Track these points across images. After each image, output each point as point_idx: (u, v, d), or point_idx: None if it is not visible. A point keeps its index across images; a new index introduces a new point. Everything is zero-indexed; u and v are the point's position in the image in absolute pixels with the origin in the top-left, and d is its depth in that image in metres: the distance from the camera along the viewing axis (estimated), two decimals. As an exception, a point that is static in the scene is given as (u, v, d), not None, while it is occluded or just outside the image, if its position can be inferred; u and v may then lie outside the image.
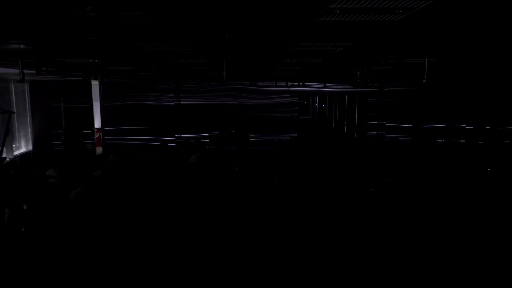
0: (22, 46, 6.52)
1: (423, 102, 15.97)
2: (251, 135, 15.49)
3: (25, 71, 8.19)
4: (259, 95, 16.25)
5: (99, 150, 15.48)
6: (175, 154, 11.29)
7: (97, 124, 16.11)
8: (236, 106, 16.05)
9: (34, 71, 7.47)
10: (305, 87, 15.82)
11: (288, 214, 6.99)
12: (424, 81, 7.71)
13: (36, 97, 13.82)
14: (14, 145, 12.48)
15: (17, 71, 8.09)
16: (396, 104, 16.01)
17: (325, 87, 15.54)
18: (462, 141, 15.42)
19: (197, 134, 16.22)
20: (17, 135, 12.83)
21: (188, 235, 6.25)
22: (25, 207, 6.14)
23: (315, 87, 16.19)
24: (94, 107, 15.41)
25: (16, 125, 12.68)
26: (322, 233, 6.28)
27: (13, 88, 12.54)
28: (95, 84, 15.23)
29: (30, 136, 13.80)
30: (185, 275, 5.17)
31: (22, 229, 5.58)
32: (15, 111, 12.36)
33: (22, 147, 13.28)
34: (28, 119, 13.74)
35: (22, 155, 12.47)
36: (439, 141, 15.05)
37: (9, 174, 8.05)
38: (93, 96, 15.29)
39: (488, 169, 9.58)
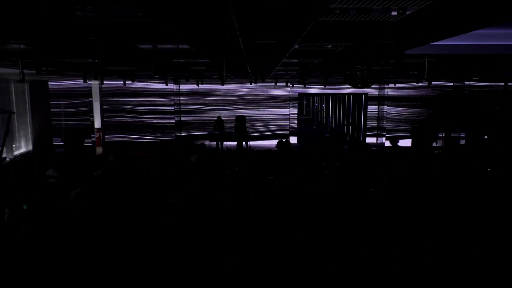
0: (22, 46, 6.53)
1: (423, 102, 15.99)
2: (251, 135, 15.50)
3: (25, 71, 8.19)
4: (259, 95, 16.27)
5: (99, 150, 15.47)
6: (175, 154, 11.30)
7: (97, 124, 16.11)
8: (236, 105, 16.07)
9: (34, 71, 7.47)
10: (305, 87, 15.83)
11: (288, 214, 6.99)
12: (424, 80, 7.72)
13: (36, 97, 13.82)
14: (14, 145, 12.48)
15: (17, 71, 8.10)
16: (396, 104, 16.02)
17: (325, 87, 15.55)
18: (462, 140, 15.44)
19: (198, 133, 16.25)
20: (17, 135, 12.83)
21: (187, 235, 6.25)
22: (25, 207, 6.13)
23: (315, 87, 16.21)
24: (94, 107, 15.42)
25: (16, 125, 12.68)
26: (322, 233, 6.28)
27: (13, 88, 12.54)
28: (95, 84, 15.24)
29: (30, 136, 13.80)
30: (184, 275, 5.17)
31: (22, 229, 5.58)
32: (15, 111, 12.36)
33: (22, 147, 13.29)
34: (28, 119, 13.75)
35: (22, 155, 12.47)
36: (439, 140, 15.04)
37: (9, 174, 8.04)
38: (93, 96, 15.30)
39: (488, 169, 9.58)
